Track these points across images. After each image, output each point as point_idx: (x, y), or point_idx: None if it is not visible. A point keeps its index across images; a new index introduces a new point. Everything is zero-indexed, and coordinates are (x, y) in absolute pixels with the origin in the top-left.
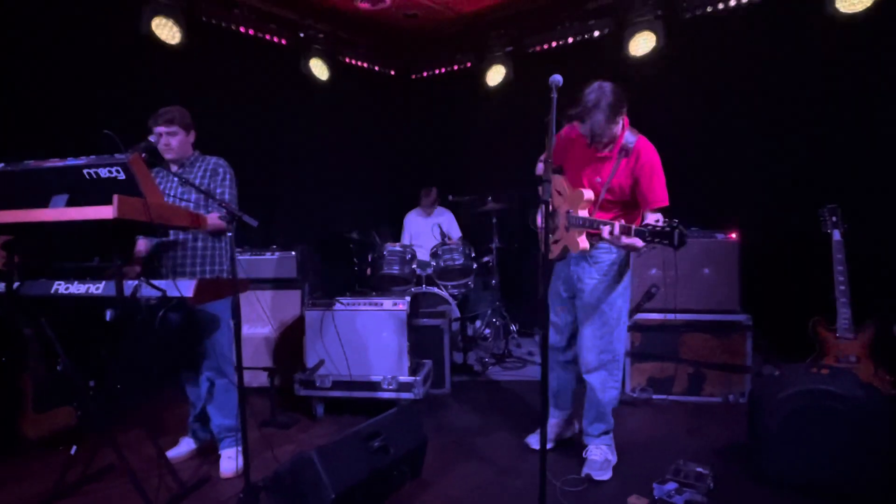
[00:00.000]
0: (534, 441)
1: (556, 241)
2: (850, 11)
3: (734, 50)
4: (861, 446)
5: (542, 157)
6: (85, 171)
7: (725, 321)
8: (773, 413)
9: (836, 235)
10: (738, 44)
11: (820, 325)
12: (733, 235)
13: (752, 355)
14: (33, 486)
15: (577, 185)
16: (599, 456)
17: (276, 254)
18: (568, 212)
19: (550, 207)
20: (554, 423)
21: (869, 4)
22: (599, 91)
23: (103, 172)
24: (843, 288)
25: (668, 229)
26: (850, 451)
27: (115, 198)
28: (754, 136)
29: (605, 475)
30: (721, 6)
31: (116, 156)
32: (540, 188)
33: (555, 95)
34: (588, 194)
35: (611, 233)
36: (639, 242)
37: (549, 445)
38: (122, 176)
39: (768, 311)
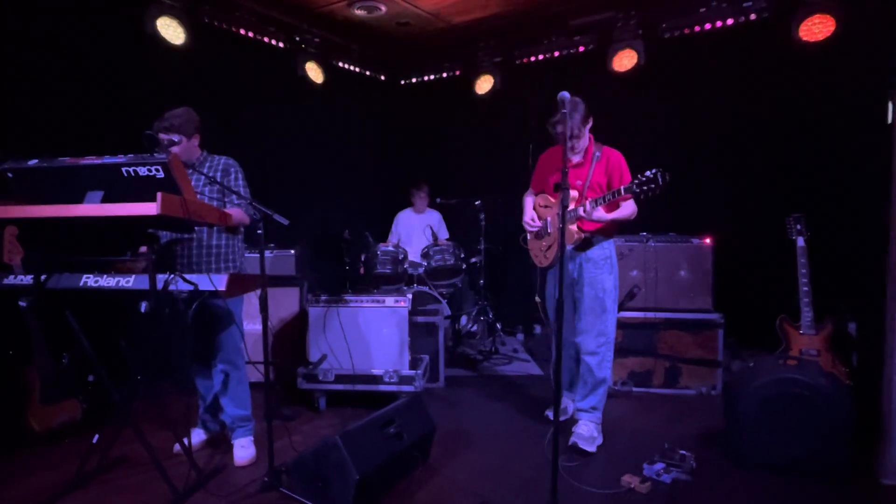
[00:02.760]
0: (550, 413)
1: (549, 247)
2: (811, 40)
3: (709, 68)
4: (825, 428)
5: (529, 193)
6: (123, 170)
7: (699, 319)
8: (748, 400)
9: (801, 242)
10: (712, 63)
11: (785, 322)
12: (707, 241)
13: (723, 351)
14: (45, 478)
15: None
16: (587, 431)
17: (275, 252)
18: (558, 213)
19: (538, 220)
20: (568, 402)
21: (829, 35)
22: (574, 102)
23: (142, 171)
24: (806, 289)
25: (650, 175)
26: (816, 432)
27: (159, 195)
28: (727, 149)
29: (590, 447)
30: (697, 28)
31: (156, 155)
32: (560, 195)
33: (566, 110)
34: (573, 193)
35: (584, 210)
36: (605, 215)
37: (564, 417)
38: (160, 175)
39: (738, 310)
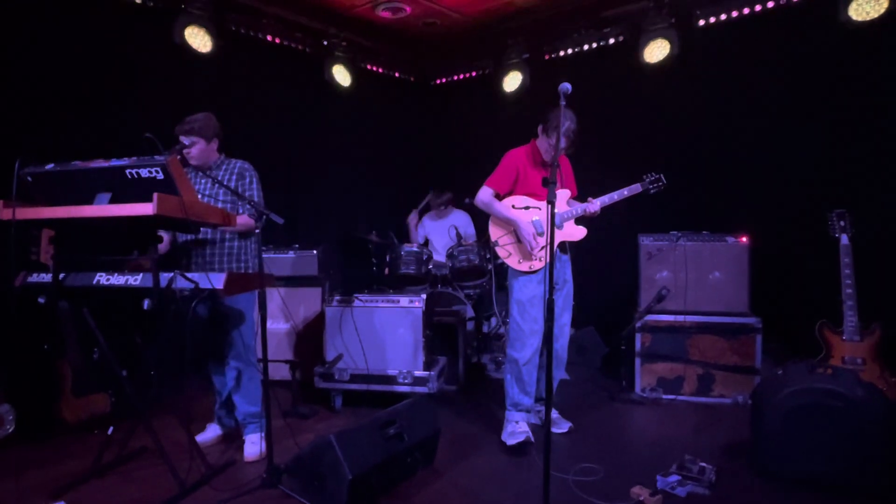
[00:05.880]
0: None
1: (543, 247)
2: (862, 19)
3: (747, 57)
4: (859, 443)
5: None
6: (127, 172)
7: (735, 323)
8: (775, 410)
9: (844, 240)
10: (750, 51)
11: (826, 327)
12: (744, 239)
13: (762, 357)
14: (71, 466)
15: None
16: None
17: (298, 252)
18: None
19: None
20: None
21: (882, 12)
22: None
23: (144, 173)
24: (849, 291)
25: (654, 175)
26: (849, 447)
27: (155, 196)
28: (765, 141)
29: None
30: (735, 14)
31: (156, 157)
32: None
33: (563, 103)
34: (566, 192)
35: (602, 202)
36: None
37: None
38: (160, 176)
39: (778, 313)
